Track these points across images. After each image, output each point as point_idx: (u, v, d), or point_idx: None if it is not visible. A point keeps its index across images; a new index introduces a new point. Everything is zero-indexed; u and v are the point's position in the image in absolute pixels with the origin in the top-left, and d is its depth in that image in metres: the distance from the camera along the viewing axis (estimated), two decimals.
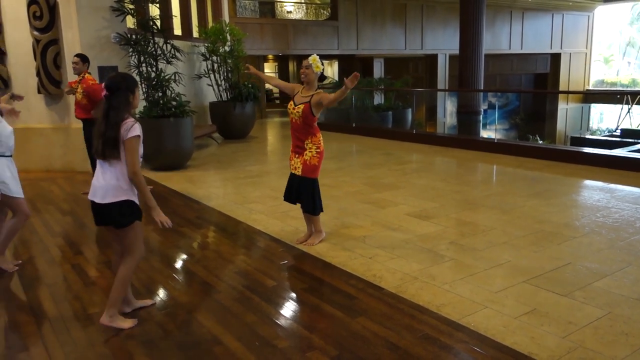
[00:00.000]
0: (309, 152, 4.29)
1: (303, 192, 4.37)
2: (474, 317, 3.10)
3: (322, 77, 4.29)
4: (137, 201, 3.05)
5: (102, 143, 2.90)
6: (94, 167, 6.45)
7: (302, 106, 4.21)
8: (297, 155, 4.37)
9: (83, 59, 6.18)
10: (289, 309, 3.36)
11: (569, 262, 3.94)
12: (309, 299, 3.47)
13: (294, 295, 3.56)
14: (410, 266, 3.94)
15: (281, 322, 3.16)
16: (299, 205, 4.53)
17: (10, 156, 3.97)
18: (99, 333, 3.07)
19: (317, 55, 4.24)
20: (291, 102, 4.32)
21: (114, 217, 2.98)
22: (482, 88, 15.39)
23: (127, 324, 3.11)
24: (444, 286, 3.56)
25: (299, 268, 4.04)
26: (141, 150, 3.00)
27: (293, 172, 4.42)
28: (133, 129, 2.91)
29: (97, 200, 2.98)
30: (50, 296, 3.64)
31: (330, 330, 3.01)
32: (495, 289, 3.49)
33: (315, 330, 3.01)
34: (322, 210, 4.50)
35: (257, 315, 3.24)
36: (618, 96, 18.96)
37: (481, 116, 14.56)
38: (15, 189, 3.95)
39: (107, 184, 2.95)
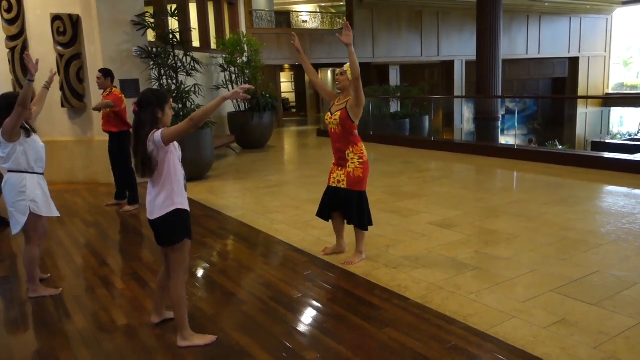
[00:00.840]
0: (352, 163, 4.11)
1: (349, 207, 4.16)
2: (502, 328, 3.07)
3: None
4: (187, 207, 2.99)
5: (137, 162, 2.88)
6: (115, 179, 6.61)
7: (338, 113, 4.07)
8: (339, 168, 4.19)
9: (105, 73, 6.29)
10: (315, 320, 3.36)
11: (596, 270, 3.89)
12: (334, 309, 3.48)
13: (319, 306, 3.56)
14: (435, 276, 3.92)
15: (308, 333, 3.17)
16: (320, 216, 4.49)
17: (42, 174, 3.84)
18: (129, 345, 3.11)
19: (335, 63, 4.25)
20: (327, 113, 4.22)
21: (163, 232, 2.95)
22: (500, 94, 15.28)
23: (204, 340, 3.04)
24: (470, 296, 3.54)
25: (323, 278, 4.04)
26: (179, 153, 2.99)
27: (333, 185, 4.24)
28: (155, 135, 2.82)
29: (149, 217, 2.97)
30: (79, 308, 3.69)
31: (358, 342, 3.01)
32: (522, 298, 3.46)
33: (343, 342, 3.01)
34: (371, 224, 4.32)
35: (283, 326, 3.25)
36: None
37: (499, 122, 14.46)
38: (45, 209, 3.79)
39: (153, 199, 2.93)
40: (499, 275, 3.88)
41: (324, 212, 4.39)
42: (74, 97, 8.14)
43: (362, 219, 4.21)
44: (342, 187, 4.17)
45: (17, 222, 3.71)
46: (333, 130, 4.16)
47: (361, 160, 4.13)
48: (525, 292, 3.56)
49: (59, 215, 4.05)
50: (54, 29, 7.96)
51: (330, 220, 4.47)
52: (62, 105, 8.23)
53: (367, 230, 4.29)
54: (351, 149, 4.12)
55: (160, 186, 2.91)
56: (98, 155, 8.22)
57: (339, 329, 3.21)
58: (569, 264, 4.05)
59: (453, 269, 4.05)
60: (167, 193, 2.90)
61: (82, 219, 6.22)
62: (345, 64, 4.06)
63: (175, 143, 2.96)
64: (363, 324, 3.22)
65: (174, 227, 2.94)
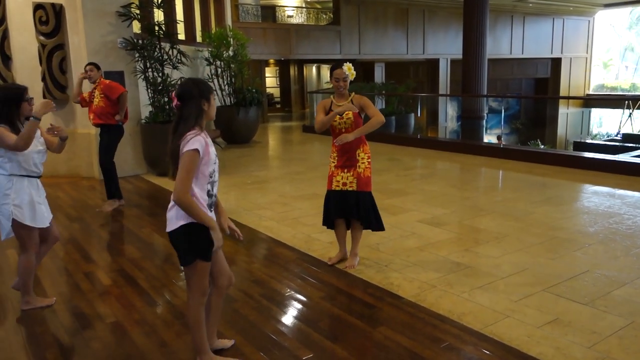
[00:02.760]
0: (362, 163, 3.93)
1: (365, 209, 3.95)
2: (497, 327, 3.06)
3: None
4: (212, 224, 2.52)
5: (170, 161, 2.48)
6: (104, 175, 6.35)
7: (350, 112, 3.84)
8: (346, 170, 3.93)
9: (97, 66, 6.09)
10: (308, 318, 3.32)
11: (586, 270, 3.92)
12: (327, 307, 3.44)
13: (312, 304, 3.52)
14: (427, 274, 3.91)
15: (302, 331, 3.13)
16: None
17: (37, 177, 3.49)
18: (118, 343, 3.04)
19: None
20: (331, 113, 3.89)
21: (181, 248, 2.52)
22: (485, 93, 15.39)
23: None
24: (462, 295, 3.53)
25: (315, 276, 4.00)
26: (209, 169, 2.50)
27: (337, 189, 3.95)
28: (192, 141, 2.39)
29: (167, 229, 2.55)
30: (65, 306, 3.59)
31: (353, 341, 2.98)
32: (515, 297, 3.46)
33: (338, 341, 2.98)
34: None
35: (276, 324, 3.21)
36: (626, 102, 18.97)
37: (484, 121, 14.57)
38: (29, 216, 3.38)
39: (170, 208, 2.52)
40: (490, 274, 3.88)
41: (330, 220, 4.12)
42: (56, 88, 7.96)
43: (379, 220, 4.06)
44: (351, 189, 3.92)
45: (3, 228, 3.39)
46: (345, 131, 3.89)
47: (370, 160, 4.00)
48: (518, 291, 3.57)
49: (47, 226, 3.55)
50: (36, 18, 7.76)
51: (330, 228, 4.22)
52: (44, 97, 8.01)
53: (382, 230, 4.11)
54: (362, 149, 3.96)
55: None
56: (80, 148, 8.06)
57: (333, 327, 3.18)
58: (559, 263, 4.07)
59: (444, 267, 4.05)
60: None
61: (65, 213, 6.09)
62: (345, 64, 3.87)
63: (212, 155, 2.51)
64: (357, 323, 3.19)
65: (195, 240, 2.50)
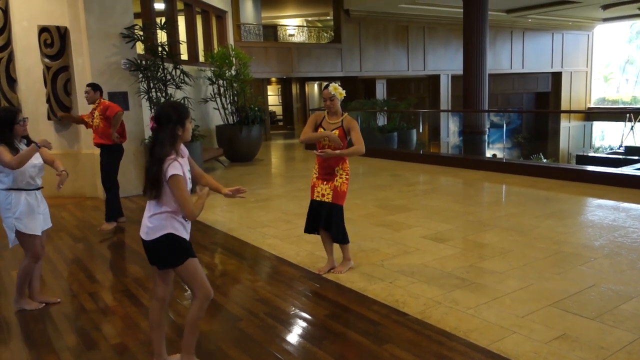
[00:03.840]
0: (340, 178, 4.21)
1: (333, 220, 4.21)
2: (504, 343, 3.04)
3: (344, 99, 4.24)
4: (186, 236, 2.77)
5: (145, 180, 2.68)
6: (107, 193, 6.39)
7: (336, 132, 4.12)
8: (324, 182, 4.24)
9: (94, 87, 6.15)
10: (313, 336, 3.30)
11: (592, 284, 3.90)
12: (332, 326, 3.42)
13: (317, 322, 3.51)
14: (432, 291, 3.89)
15: (307, 350, 3.11)
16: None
17: (35, 190, 3.76)
18: None
19: (322, 77, 4.26)
20: (320, 129, 4.24)
21: (163, 255, 2.73)
22: (486, 108, 15.44)
23: None
24: (468, 311, 3.51)
25: (319, 294, 3.99)
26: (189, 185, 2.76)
27: (318, 199, 4.25)
28: (170, 167, 2.61)
29: (143, 237, 2.75)
30: (69, 326, 3.59)
31: (359, 359, 2.96)
32: (521, 313, 3.44)
33: (343, 359, 2.96)
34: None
35: (281, 343, 3.19)
36: (628, 115, 18.97)
37: (486, 136, 14.59)
38: (31, 226, 3.71)
39: (149, 220, 2.71)
40: (496, 290, 3.87)
41: (310, 227, 4.38)
42: (60, 109, 8.00)
43: (344, 233, 4.30)
44: (327, 200, 4.21)
45: (9, 238, 3.77)
46: (327, 147, 4.17)
47: (347, 177, 4.25)
48: (524, 306, 3.55)
49: (39, 234, 3.79)
50: (41, 40, 7.86)
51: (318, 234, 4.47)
52: (49, 118, 8.10)
53: (348, 243, 4.37)
54: (341, 165, 4.23)
55: (159, 208, 2.69)
56: (85, 168, 8.10)
57: (339, 345, 3.16)
58: (565, 278, 4.05)
59: (449, 283, 4.03)
60: (167, 216, 2.69)
61: (69, 233, 6.10)
62: (330, 84, 4.15)
63: (187, 178, 2.73)
64: (363, 340, 3.17)
65: (175, 247, 2.73)
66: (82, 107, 7.96)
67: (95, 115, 6.07)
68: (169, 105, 2.77)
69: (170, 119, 2.65)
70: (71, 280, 4.56)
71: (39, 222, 3.77)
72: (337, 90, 4.13)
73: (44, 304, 3.94)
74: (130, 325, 3.55)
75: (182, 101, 8.56)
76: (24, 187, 3.68)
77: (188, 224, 2.80)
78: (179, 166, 2.64)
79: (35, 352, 3.24)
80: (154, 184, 2.64)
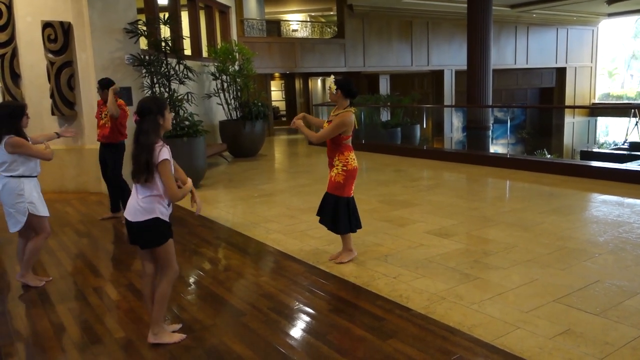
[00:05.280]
0: (336, 168, 4.36)
1: (324, 207, 4.44)
2: (508, 339, 3.04)
3: (353, 94, 4.30)
4: (166, 219, 3.07)
5: (133, 165, 2.96)
6: (109, 188, 6.46)
7: (326, 124, 4.39)
8: (330, 173, 4.45)
9: (101, 85, 6.17)
10: (317, 331, 3.30)
11: (597, 280, 3.89)
12: (336, 320, 3.42)
13: (321, 317, 3.51)
14: (436, 286, 3.89)
15: (311, 345, 3.11)
16: (318, 225, 4.54)
17: (36, 177, 4.17)
18: (127, 358, 3.03)
19: (326, 72, 4.40)
20: (325, 123, 4.49)
21: (144, 236, 3.03)
22: (490, 103, 15.40)
23: (174, 338, 3.17)
24: (472, 306, 3.51)
25: (323, 289, 3.99)
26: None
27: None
28: (162, 152, 2.94)
29: (129, 218, 3.03)
30: (74, 321, 3.60)
31: (364, 354, 2.96)
32: (525, 308, 3.44)
33: (348, 354, 2.96)
34: (350, 231, 4.45)
35: (286, 338, 3.20)
36: (632, 110, 18.86)
37: (490, 131, 14.55)
38: (42, 209, 4.15)
39: (137, 203, 3.00)
40: (500, 285, 3.86)
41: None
42: (64, 105, 8.03)
43: (335, 223, 4.38)
44: (326, 190, 4.43)
45: (17, 222, 4.06)
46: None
47: (344, 168, 4.32)
48: (528, 302, 3.54)
49: (48, 215, 4.23)
50: (45, 36, 7.86)
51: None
52: (53, 113, 8.11)
53: (339, 234, 4.47)
54: (337, 157, 4.36)
55: (148, 192, 2.98)
56: (88, 164, 8.11)
57: (343, 340, 3.16)
58: (570, 274, 4.04)
59: (453, 278, 4.03)
60: (155, 200, 3.00)
61: (73, 228, 6.11)
62: (330, 77, 4.40)
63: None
64: (367, 335, 3.17)
65: (156, 230, 3.04)
66: (86, 102, 7.98)
67: (102, 115, 6.15)
68: (149, 99, 3.09)
69: (151, 110, 2.96)
70: (75, 275, 4.58)
71: (45, 205, 4.21)
72: (330, 84, 4.33)
73: (44, 282, 4.29)
74: (134, 320, 3.56)
75: (186, 97, 8.57)
76: (33, 174, 4.10)
77: (169, 209, 3.11)
78: (168, 152, 2.98)
79: (40, 346, 3.25)
80: (146, 168, 2.91)
